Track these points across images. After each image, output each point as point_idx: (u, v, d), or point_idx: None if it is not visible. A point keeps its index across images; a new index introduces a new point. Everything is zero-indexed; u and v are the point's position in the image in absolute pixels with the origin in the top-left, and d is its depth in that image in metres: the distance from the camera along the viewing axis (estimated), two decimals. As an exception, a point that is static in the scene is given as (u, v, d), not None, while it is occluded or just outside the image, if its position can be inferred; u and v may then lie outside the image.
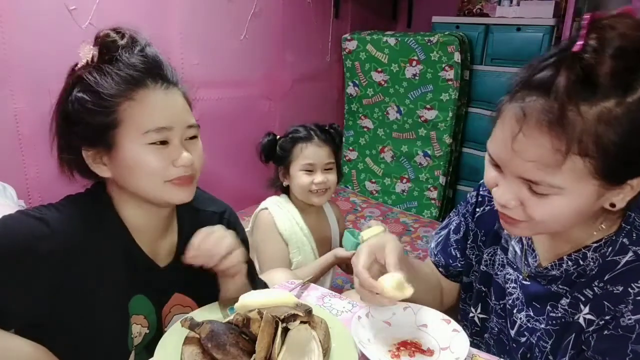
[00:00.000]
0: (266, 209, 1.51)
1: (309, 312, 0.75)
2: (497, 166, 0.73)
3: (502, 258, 0.95)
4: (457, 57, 2.63)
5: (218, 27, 2.23)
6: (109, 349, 0.83)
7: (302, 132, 1.50)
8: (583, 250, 0.78)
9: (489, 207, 0.99)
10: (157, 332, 0.90)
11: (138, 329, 0.87)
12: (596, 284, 0.77)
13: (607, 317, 0.74)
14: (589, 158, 0.63)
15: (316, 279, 1.46)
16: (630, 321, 0.71)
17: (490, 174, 0.75)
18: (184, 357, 0.70)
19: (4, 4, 1.53)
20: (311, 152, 1.47)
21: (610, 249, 0.76)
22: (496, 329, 0.96)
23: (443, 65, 2.68)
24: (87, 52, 0.80)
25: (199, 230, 0.85)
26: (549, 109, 0.63)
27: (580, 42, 0.62)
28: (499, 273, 0.95)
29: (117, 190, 0.85)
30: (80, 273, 0.78)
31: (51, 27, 1.64)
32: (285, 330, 0.72)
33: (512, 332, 0.91)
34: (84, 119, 0.78)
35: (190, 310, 0.94)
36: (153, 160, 0.79)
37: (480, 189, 1.02)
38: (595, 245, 0.77)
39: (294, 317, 0.73)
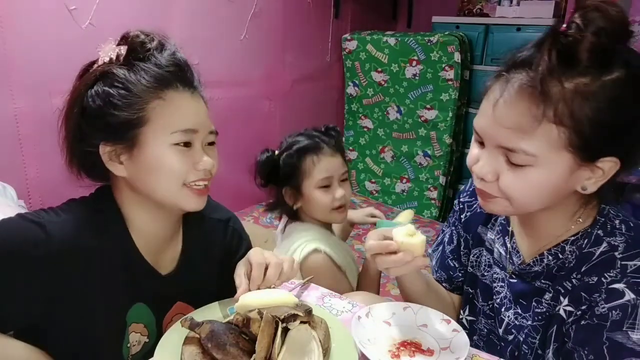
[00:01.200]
0: (317, 250, 1.23)
1: (309, 312, 0.75)
2: (480, 143, 0.76)
3: (488, 258, 0.96)
4: (457, 57, 2.63)
5: (218, 27, 2.23)
6: (103, 356, 0.82)
7: (307, 141, 1.25)
8: (561, 244, 0.80)
9: (470, 212, 1.01)
10: (157, 341, 0.88)
11: (137, 337, 0.86)
12: (574, 275, 0.79)
13: (584, 307, 0.76)
14: (564, 127, 0.66)
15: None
16: (604, 309, 0.73)
17: (473, 152, 0.78)
18: (184, 357, 0.70)
19: (4, 4, 1.53)
20: (326, 164, 1.24)
21: (586, 241, 0.78)
22: (485, 330, 0.97)
23: (443, 65, 2.68)
24: (109, 51, 0.79)
25: (251, 262, 0.85)
26: (530, 79, 0.68)
27: (565, 23, 0.67)
28: (485, 274, 0.96)
29: (126, 193, 0.83)
30: (78, 277, 0.77)
31: (51, 27, 1.64)
32: (285, 330, 0.72)
33: (500, 331, 0.92)
34: (108, 114, 0.76)
35: None
36: (176, 162, 0.78)
37: (460, 197, 1.05)
38: (572, 238, 0.79)
39: (294, 317, 0.73)
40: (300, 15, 2.67)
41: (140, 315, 0.85)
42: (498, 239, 0.93)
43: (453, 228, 1.06)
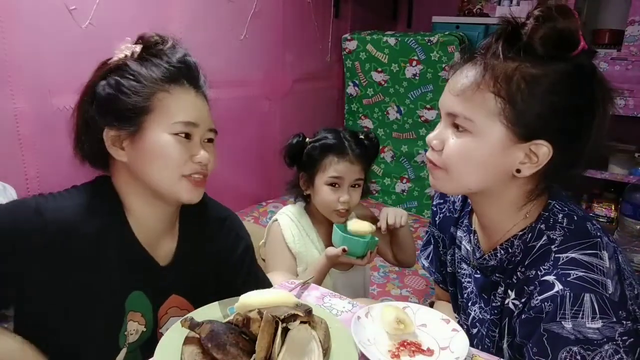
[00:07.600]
0: (276, 220, 1.39)
1: (309, 312, 0.75)
2: (441, 119, 0.84)
3: (458, 256, 1.00)
4: (457, 57, 2.62)
5: (218, 27, 2.23)
6: (99, 342, 0.83)
7: (335, 141, 1.33)
8: (511, 239, 0.84)
9: (441, 214, 1.06)
10: (153, 332, 0.90)
11: (135, 326, 0.87)
12: (519, 269, 0.82)
13: (524, 300, 0.79)
14: (500, 98, 0.74)
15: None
16: (537, 302, 0.75)
17: (434, 130, 0.85)
18: (184, 357, 0.70)
19: (4, 4, 1.53)
20: (342, 167, 1.31)
21: (530, 235, 0.81)
22: (465, 326, 0.99)
23: (443, 65, 2.68)
24: (125, 49, 0.85)
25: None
26: (481, 56, 0.77)
27: (524, 18, 0.75)
28: (459, 270, 1.00)
29: (126, 182, 0.86)
30: (76, 262, 0.79)
31: (51, 27, 1.64)
32: (285, 330, 0.72)
33: (468, 325, 0.95)
34: (117, 100, 0.81)
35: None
36: (174, 151, 0.82)
37: (434, 201, 1.11)
38: (520, 233, 0.83)
39: (294, 317, 0.73)
40: (300, 15, 2.66)
41: (138, 303, 0.88)
42: (465, 236, 0.97)
43: (431, 230, 1.11)
